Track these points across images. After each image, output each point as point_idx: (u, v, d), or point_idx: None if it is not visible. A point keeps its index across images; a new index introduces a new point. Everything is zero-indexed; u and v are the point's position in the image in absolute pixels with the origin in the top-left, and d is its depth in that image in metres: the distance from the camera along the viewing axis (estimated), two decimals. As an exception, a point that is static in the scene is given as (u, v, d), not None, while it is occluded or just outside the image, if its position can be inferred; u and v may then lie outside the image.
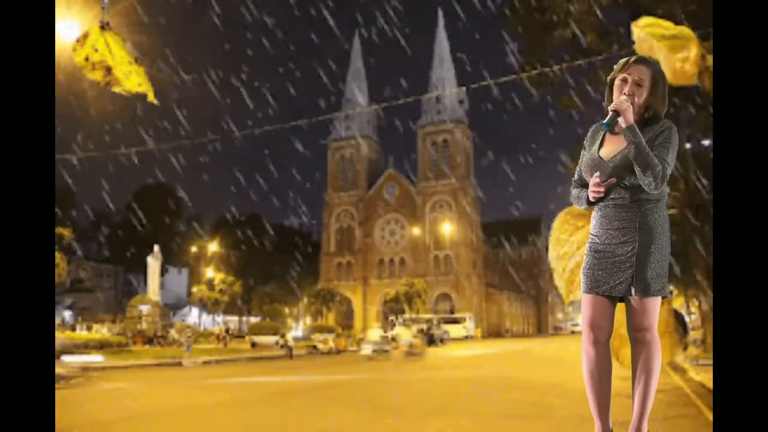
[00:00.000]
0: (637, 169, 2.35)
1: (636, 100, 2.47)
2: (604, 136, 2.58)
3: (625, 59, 2.59)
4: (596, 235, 2.55)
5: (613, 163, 2.47)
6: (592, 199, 2.54)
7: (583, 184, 2.62)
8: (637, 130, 2.37)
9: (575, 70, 12.54)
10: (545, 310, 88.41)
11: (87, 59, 3.09)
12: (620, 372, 2.82)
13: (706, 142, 13.11)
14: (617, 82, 2.54)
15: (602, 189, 2.47)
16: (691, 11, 9.61)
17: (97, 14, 3.20)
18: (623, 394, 2.91)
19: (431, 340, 29.22)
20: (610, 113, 2.43)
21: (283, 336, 23.70)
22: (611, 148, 2.53)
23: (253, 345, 27.69)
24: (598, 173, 2.48)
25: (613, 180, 2.46)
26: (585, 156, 2.61)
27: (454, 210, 62.60)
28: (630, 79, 2.50)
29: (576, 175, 2.68)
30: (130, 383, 10.04)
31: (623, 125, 2.39)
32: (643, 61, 2.56)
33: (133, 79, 3.15)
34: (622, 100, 2.44)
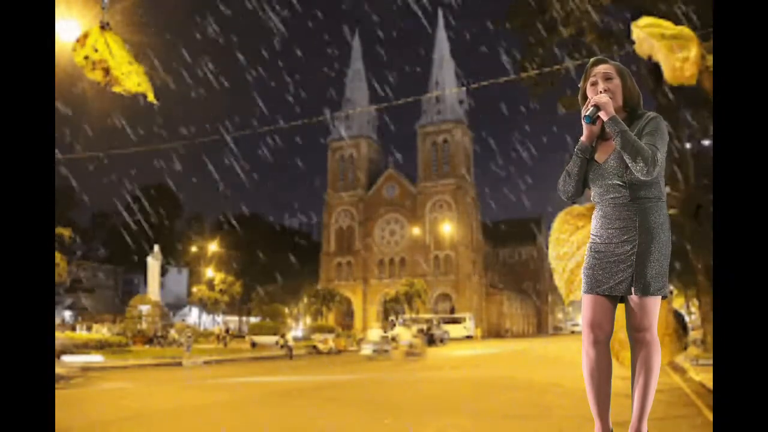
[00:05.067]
0: (626, 158, 2.36)
1: (614, 95, 2.52)
2: (596, 144, 2.61)
3: (586, 67, 2.65)
4: (597, 235, 2.56)
5: (608, 164, 2.50)
6: (584, 138, 2.54)
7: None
8: (620, 119, 2.41)
9: (575, 70, 12.54)
10: (545, 310, 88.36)
11: (87, 59, 3.09)
12: (620, 372, 2.81)
13: (706, 142, 13.11)
14: (589, 88, 2.59)
15: (592, 106, 2.48)
16: (691, 11, 9.61)
17: (97, 14, 3.20)
18: (623, 394, 2.91)
19: (431, 340, 29.21)
20: (591, 108, 2.47)
21: (283, 336, 23.69)
22: (604, 153, 2.56)
23: (253, 345, 27.70)
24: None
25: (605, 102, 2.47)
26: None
27: (454, 210, 62.57)
28: (598, 79, 2.55)
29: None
30: (130, 383, 10.04)
31: (605, 118, 2.43)
32: (600, 60, 2.64)
33: (132, 79, 3.15)
34: (601, 95, 2.48)
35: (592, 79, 2.57)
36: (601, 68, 2.57)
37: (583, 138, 2.57)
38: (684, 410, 5.36)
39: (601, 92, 2.51)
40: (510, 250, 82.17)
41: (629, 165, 2.36)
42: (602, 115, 2.43)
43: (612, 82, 2.54)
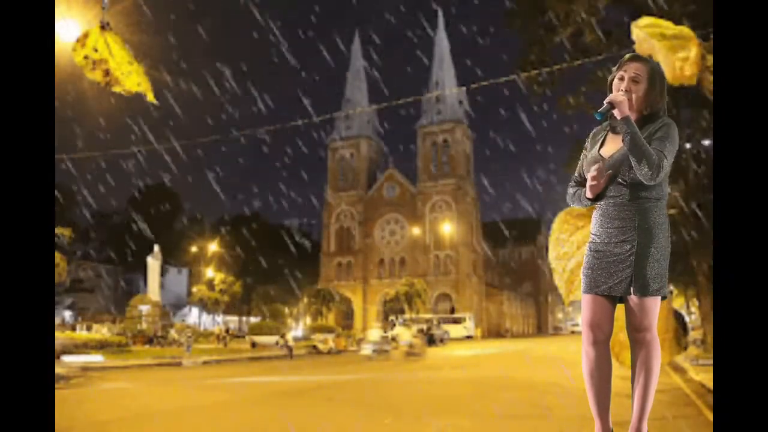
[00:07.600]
0: (632, 160, 2.34)
1: (634, 95, 2.48)
2: (605, 136, 2.59)
3: (622, 59, 2.60)
4: (596, 234, 2.55)
5: (613, 160, 2.48)
6: (589, 195, 2.53)
7: (581, 184, 2.63)
8: (632, 121, 2.38)
9: (575, 70, 12.54)
10: (545, 310, 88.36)
11: (87, 59, 3.09)
12: (620, 372, 2.81)
13: (706, 142, 13.11)
14: (615, 81, 2.55)
15: (600, 182, 2.47)
16: (691, 11, 9.61)
17: (97, 14, 3.20)
18: (623, 394, 2.91)
19: (431, 340, 29.18)
20: (605, 105, 2.45)
21: (283, 336, 23.68)
22: (612, 146, 2.54)
23: (253, 345, 27.68)
24: (595, 166, 2.48)
25: (610, 172, 2.46)
26: (586, 156, 2.62)
27: (454, 210, 62.55)
28: (626, 76, 2.52)
29: (576, 173, 2.69)
30: (130, 383, 10.04)
31: (618, 117, 2.40)
32: (638, 58, 2.58)
33: (132, 79, 3.15)
34: (618, 93, 2.46)
35: (621, 74, 2.53)
36: (633, 67, 2.52)
37: (588, 194, 2.51)
38: (684, 410, 5.36)
39: (622, 90, 2.48)
40: (510, 250, 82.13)
41: (634, 167, 2.35)
42: (616, 113, 2.41)
43: (637, 85, 2.49)
